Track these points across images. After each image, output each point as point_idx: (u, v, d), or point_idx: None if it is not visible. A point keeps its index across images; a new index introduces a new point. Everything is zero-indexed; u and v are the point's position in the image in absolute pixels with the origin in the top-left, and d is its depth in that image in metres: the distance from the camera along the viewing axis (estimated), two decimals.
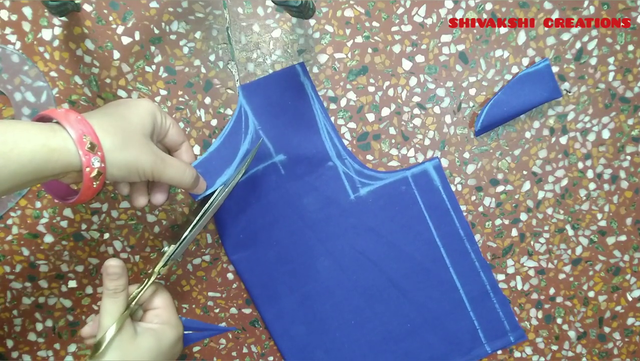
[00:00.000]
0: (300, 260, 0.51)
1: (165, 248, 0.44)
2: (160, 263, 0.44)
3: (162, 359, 0.43)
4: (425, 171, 0.51)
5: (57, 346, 0.52)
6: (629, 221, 0.53)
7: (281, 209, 0.51)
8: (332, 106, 0.51)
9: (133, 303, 0.43)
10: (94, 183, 0.35)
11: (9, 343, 0.52)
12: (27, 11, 0.48)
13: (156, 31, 0.49)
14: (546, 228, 0.53)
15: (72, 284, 0.52)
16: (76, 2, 0.46)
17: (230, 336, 0.53)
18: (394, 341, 0.52)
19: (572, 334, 0.54)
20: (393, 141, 0.51)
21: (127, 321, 0.42)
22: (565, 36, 0.50)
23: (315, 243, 0.51)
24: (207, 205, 0.45)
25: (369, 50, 0.50)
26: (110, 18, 0.48)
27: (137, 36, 0.49)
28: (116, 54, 0.49)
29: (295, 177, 0.50)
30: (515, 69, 0.51)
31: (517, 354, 0.54)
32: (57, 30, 0.48)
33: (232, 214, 0.50)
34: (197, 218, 0.44)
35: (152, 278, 0.44)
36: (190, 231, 0.44)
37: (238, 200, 0.50)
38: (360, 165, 0.51)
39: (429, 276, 0.52)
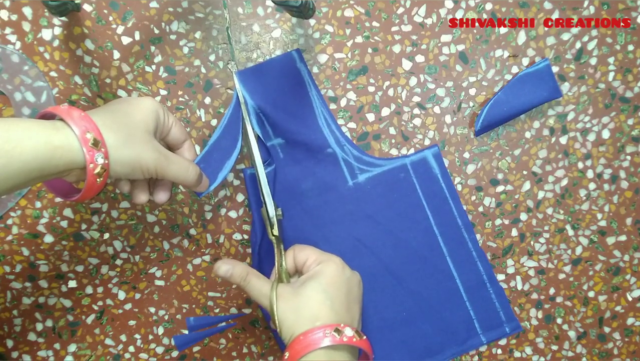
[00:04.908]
0: None
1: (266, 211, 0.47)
2: (268, 229, 0.46)
3: (336, 290, 0.42)
4: (424, 158, 0.51)
5: (57, 346, 0.52)
6: (629, 221, 0.53)
7: (279, 193, 0.50)
8: (332, 106, 0.51)
9: (276, 271, 0.45)
10: (98, 180, 0.35)
11: (9, 343, 0.52)
12: (27, 11, 0.48)
13: (156, 31, 0.49)
14: (546, 228, 0.53)
15: (72, 284, 0.52)
16: (76, 2, 0.46)
17: (230, 336, 0.53)
18: (389, 330, 0.52)
19: (572, 334, 0.54)
20: (393, 141, 0.51)
21: (281, 285, 0.42)
22: (565, 36, 0.50)
23: (312, 229, 0.51)
24: (259, 172, 0.47)
25: (369, 50, 0.50)
26: (110, 18, 0.48)
27: (137, 36, 0.49)
28: (116, 54, 0.49)
29: (294, 162, 0.50)
30: (515, 69, 0.51)
31: (517, 354, 0.54)
32: (57, 30, 0.48)
33: None
34: (260, 175, 0.47)
35: (277, 244, 0.45)
36: (262, 187, 0.46)
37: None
38: (359, 151, 0.50)
39: (425, 264, 0.52)
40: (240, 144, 0.47)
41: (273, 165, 0.50)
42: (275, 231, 0.46)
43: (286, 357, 0.39)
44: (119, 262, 0.51)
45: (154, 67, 0.49)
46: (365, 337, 0.41)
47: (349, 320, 0.41)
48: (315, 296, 0.41)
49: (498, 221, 0.52)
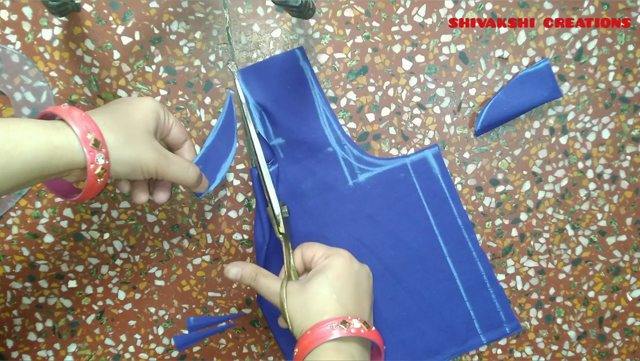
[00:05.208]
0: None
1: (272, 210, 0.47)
2: (275, 227, 0.46)
3: (343, 283, 0.42)
4: (424, 158, 0.51)
5: (57, 346, 0.52)
6: (629, 221, 0.53)
7: (279, 193, 0.50)
8: (332, 106, 0.51)
9: (285, 270, 0.45)
10: (98, 180, 0.35)
11: (9, 343, 0.52)
12: (27, 11, 0.48)
13: (156, 31, 0.49)
14: (546, 228, 0.53)
15: (72, 284, 0.52)
16: (76, 2, 0.46)
17: (230, 336, 0.53)
18: (389, 330, 0.52)
19: (572, 334, 0.54)
20: (393, 141, 0.51)
21: (290, 282, 0.43)
22: (565, 36, 0.50)
23: (312, 229, 0.51)
24: (263, 169, 0.47)
25: (369, 50, 0.50)
26: (110, 18, 0.48)
27: (137, 36, 0.49)
28: (116, 54, 0.49)
29: (294, 162, 0.50)
30: (515, 69, 0.51)
31: (517, 354, 0.54)
32: (57, 30, 0.48)
33: None
34: (264, 174, 0.47)
35: (284, 243, 0.46)
36: (267, 186, 0.47)
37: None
38: (359, 151, 0.50)
39: (425, 264, 0.51)
40: (236, 145, 0.47)
41: (277, 164, 0.50)
42: (282, 229, 0.46)
43: (296, 353, 0.39)
44: (119, 262, 0.52)
45: (154, 67, 0.49)
46: (374, 328, 0.41)
47: (358, 312, 0.41)
48: (321, 291, 0.41)
49: (498, 221, 0.52)
